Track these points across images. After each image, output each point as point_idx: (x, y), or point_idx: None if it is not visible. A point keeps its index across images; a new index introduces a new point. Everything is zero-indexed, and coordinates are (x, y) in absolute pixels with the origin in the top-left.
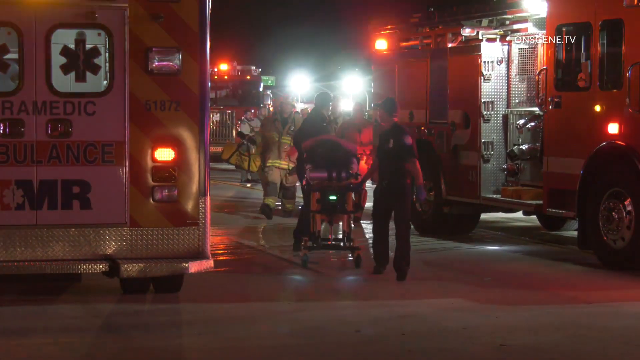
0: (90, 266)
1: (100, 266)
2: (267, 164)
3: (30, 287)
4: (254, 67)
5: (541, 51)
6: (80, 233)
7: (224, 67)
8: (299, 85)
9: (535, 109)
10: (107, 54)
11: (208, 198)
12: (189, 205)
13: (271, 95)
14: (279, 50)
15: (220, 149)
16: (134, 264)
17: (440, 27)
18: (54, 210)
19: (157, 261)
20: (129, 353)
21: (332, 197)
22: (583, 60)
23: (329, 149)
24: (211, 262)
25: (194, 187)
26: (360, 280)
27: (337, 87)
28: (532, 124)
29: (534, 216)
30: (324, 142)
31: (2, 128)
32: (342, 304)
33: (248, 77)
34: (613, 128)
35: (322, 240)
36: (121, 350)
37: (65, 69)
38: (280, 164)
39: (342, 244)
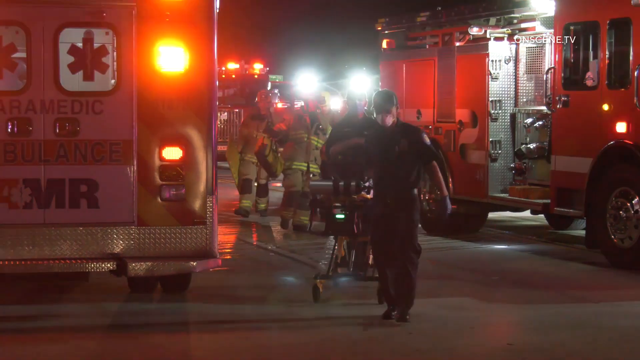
0: (97, 265)
1: (108, 265)
2: (293, 167)
3: (38, 286)
4: (261, 66)
5: (549, 50)
6: (88, 232)
7: (231, 65)
8: (306, 84)
9: (543, 107)
10: (114, 53)
11: (215, 197)
12: (197, 204)
13: (278, 93)
14: (286, 48)
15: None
16: (142, 263)
17: (448, 26)
18: (61, 209)
19: (164, 260)
20: (136, 352)
21: (340, 216)
22: (591, 59)
23: (352, 155)
24: (218, 261)
25: (202, 186)
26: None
27: (344, 86)
28: (540, 122)
29: (542, 215)
30: (354, 146)
31: (9, 127)
32: (349, 303)
33: (256, 76)
34: (621, 127)
35: (337, 267)
36: (128, 349)
37: (73, 67)
38: (310, 167)
39: (359, 274)
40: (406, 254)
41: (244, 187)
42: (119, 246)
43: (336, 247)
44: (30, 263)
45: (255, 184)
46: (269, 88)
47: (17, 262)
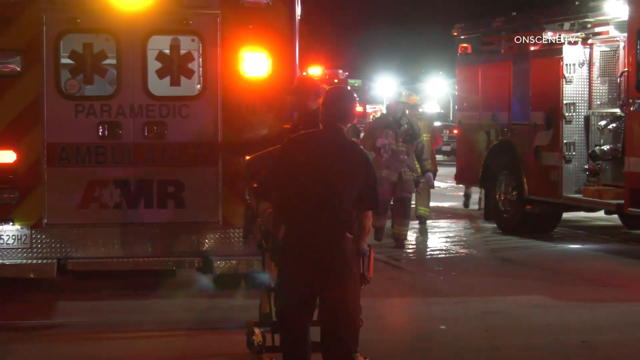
0: (184, 263)
1: (194, 263)
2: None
3: (128, 282)
4: (341, 71)
5: (622, 54)
6: (175, 231)
7: (312, 71)
8: (385, 89)
9: (617, 110)
10: (200, 59)
11: None
12: None
13: (357, 97)
14: (365, 53)
15: None
16: (227, 261)
17: (523, 30)
18: (150, 209)
19: (248, 258)
20: (222, 348)
21: None
22: None
23: None
24: None
25: None
26: (442, 277)
27: (421, 90)
28: (614, 125)
29: (616, 215)
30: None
31: (101, 130)
32: (427, 300)
33: (335, 81)
34: None
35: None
36: (214, 345)
37: (161, 73)
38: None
39: None
40: (337, 340)
41: None
42: (204, 245)
43: None
44: (120, 260)
45: None
46: None
47: (109, 260)
